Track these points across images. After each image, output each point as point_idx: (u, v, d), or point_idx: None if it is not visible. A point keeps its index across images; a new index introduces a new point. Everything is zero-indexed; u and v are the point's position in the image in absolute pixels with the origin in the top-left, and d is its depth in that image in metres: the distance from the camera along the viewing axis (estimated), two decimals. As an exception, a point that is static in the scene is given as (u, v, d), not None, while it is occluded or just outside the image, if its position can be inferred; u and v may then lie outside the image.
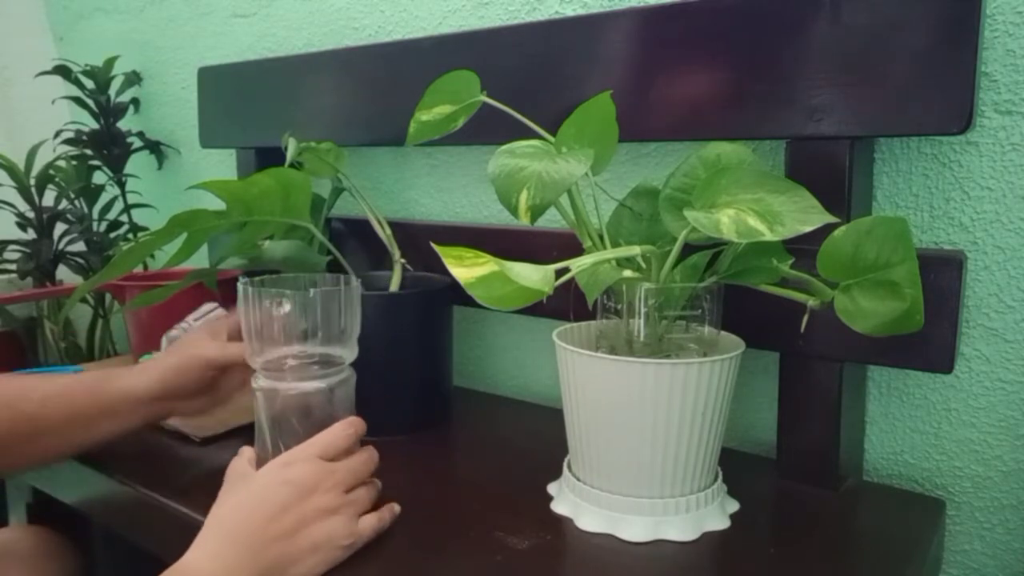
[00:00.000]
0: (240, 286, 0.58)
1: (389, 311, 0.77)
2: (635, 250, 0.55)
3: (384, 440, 0.76)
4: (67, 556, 0.85)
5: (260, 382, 0.59)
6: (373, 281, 0.86)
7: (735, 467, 0.64)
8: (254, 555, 0.50)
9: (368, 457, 0.58)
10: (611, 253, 0.56)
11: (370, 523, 0.55)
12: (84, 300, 1.30)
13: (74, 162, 1.25)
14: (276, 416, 0.59)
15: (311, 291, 0.58)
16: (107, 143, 1.27)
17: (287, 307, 0.57)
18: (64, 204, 1.27)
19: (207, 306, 0.92)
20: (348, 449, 0.58)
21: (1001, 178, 0.62)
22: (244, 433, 0.77)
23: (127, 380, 0.67)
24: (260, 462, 0.57)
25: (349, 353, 0.61)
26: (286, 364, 0.59)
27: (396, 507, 0.59)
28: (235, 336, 0.67)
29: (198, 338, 0.70)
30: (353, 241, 0.99)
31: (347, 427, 0.57)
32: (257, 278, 0.60)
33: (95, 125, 1.28)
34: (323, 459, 0.55)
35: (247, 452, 0.60)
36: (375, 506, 0.58)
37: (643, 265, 0.59)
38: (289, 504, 0.52)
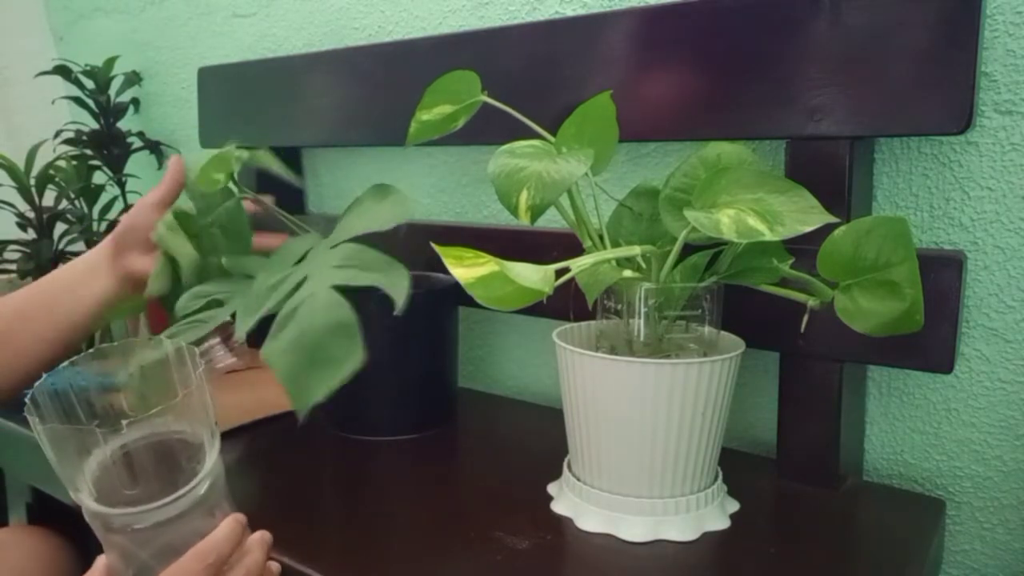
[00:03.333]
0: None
1: (392, 311, 0.76)
2: (635, 250, 0.55)
3: (388, 440, 0.77)
4: (67, 556, 0.85)
5: (91, 503, 0.45)
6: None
7: (735, 467, 0.64)
8: None
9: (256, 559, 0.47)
10: (611, 253, 0.56)
11: None
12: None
13: (74, 162, 1.25)
14: (117, 542, 0.45)
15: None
16: (107, 143, 1.27)
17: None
18: (64, 204, 1.27)
19: (207, 306, 0.92)
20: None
21: (1001, 178, 0.62)
22: (242, 434, 0.77)
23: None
24: None
25: (210, 446, 0.45)
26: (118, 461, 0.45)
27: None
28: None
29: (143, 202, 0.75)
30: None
31: (202, 559, 0.44)
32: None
33: (95, 125, 1.28)
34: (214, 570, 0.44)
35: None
36: None
37: (643, 265, 0.59)
38: None
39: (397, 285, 0.54)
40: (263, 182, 0.95)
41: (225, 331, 0.91)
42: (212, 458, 0.45)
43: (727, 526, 0.59)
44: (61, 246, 1.24)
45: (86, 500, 0.43)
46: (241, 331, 0.55)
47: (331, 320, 0.51)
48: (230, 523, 0.46)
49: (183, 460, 0.44)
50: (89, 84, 1.27)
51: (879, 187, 0.67)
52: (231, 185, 0.73)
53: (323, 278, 0.56)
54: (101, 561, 0.47)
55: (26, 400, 0.43)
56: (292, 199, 1.08)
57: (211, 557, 0.44)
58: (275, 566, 0.51)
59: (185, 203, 0.76)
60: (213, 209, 0.73)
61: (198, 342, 0.73)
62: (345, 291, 0.55)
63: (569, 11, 0.82)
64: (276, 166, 0.72)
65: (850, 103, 0.60)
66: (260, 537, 0.49)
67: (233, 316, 0.63)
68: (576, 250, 0.59)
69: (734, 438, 0.77)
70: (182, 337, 0.60)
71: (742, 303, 0.63)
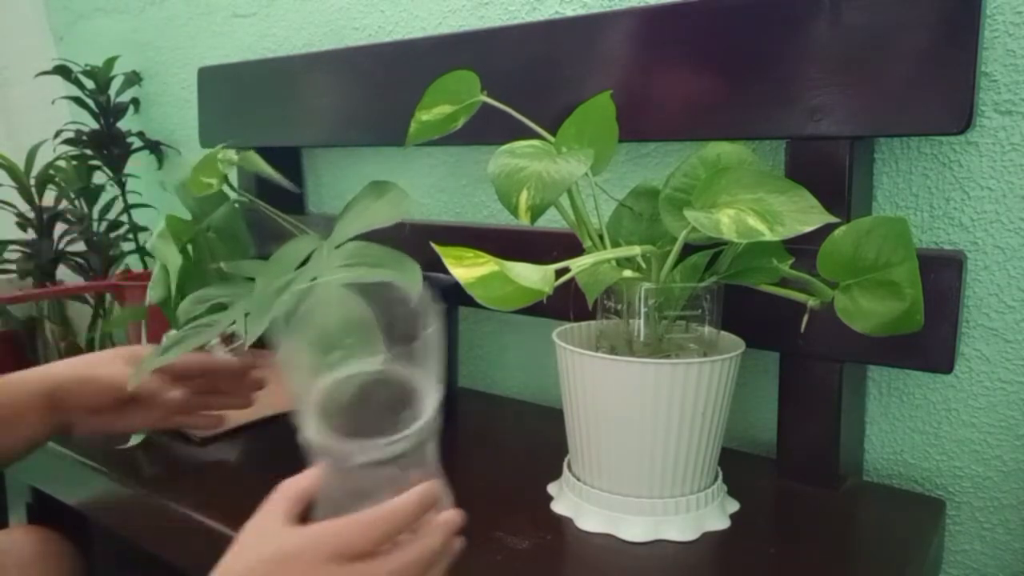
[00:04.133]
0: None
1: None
2: (635, 250, 0.55)
3: (388, 440, 0.77)
4: (68, 557, 0.85)
5: (311, 435, 0.44)
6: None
7: (735, 467, 0.64)
8: None
9: (415, 559, 0.42)
10: (611, 253, 0.56)
11: None
12: (84, 300, 1.30)
13: (74, 162, 1.25)
14: (327, 487, 0.45)
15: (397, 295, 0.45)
16: (107, 143, 1.27)
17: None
18: (64, 204, 1.27)
19: (207, 306, 0.92)
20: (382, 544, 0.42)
21: (1001, 178, 0.62)
22: (244, 433, 0.77)
23: (14, 385, 0.64)
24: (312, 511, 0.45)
25: (432, 393, 0.44)
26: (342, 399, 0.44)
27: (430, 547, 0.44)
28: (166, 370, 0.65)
29: (112, 358, 0.67)
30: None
31: (380, 522, 0.42)
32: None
33: (95, 125, 1.28)
34: (332, 563, 0.41)
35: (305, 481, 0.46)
36: None
37: (643, 265, 0.59)
38: None
39: (410, 277, 0.54)
40: (263, 185, 0.95)
41: (225, 332, 0.91)
42: (430, 413, 0.43)
43: (727, 526, 0.59)
44: (61, 246, 1.24)
45: (307, 417, 0.42)
46: (252, 335, 0.54)
47: (348, 317, 0.50)
48: (422, 489, 0.43)
49: (401, 408, 0.43)
50: (89, 84, 1.27)
51: (879, 187, 0.67)
52: (226, 188, 0.73)
53: (333, 277, 0.56)
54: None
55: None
56: (292, 200, 1.08)
57: (391, 523, 0.42)
58: (457, 544, 0.47)
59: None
60: (208, 214, 0.73)
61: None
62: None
63: (569, 11, 0.82)
64: (265, 168, 0.70)
65: (850, 103, 0.60)
66: (445, 520, 0.45)
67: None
68: (576, 250, 0.59)
69: (734, 438, 0.77)
70: (187, 343, 0.60)
71: (742, 303, 0.63)
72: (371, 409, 0.43)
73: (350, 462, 0.42)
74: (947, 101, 0.56)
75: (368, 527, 0.41)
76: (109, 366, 0.66)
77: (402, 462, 0.43)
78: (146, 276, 1.11)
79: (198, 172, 0.70)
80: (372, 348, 0.44)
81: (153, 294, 0.72)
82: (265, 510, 0.44)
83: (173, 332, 0.88)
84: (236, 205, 0.75)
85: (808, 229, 0.49)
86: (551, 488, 0.64)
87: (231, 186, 0.73)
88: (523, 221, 0.53)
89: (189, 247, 0.74)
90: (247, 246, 0.74)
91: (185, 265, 0.71)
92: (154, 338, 0.95)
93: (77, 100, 1.27)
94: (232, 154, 0.71)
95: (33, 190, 1.24)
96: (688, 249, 0.58)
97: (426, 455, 0.45)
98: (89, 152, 1.26)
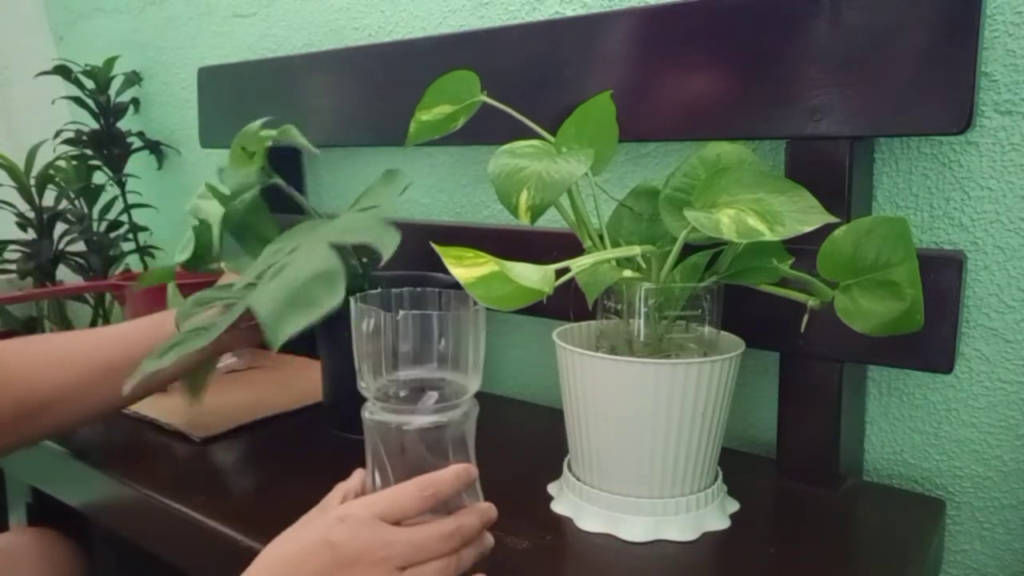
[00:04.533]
0: (353, 305, 0.51)
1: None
2: (635, 250, 0.55)
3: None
4: (68, 557, 0.85)
5: (367, 412, 0.51)
6: (380, 282, 0.86)
7: (735, 467, 0.64)
8: None
9: (452, 531, 0.47)
10: (611, 253, 0.56)
11: None
12: (84, 300, 1.30)
13: (74, 162, 1.25)
14: (383, 451, 0.51)
15: (442, 312, 0.52)
16: (107, 143, 1.27)
17: (410, 328, 0.50)
18: (64, 204, 1.27)
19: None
20: (461, 501, 0.49)
21: (1001, 178, 0.62)
22: (244, 433, 0.77)
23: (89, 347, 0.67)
24: (363, 494, 0.51)
25: (472, 382, 0.53)
26: (399, 392, 0.51)
27: (472, 552, 0.49)
28: None
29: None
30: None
31: (422, 489, 0.47)
32: (368, 294, 0.54)
33: (95, 125, 1.28)
34: (386, 521, 0.46)
35: (355, 479, 0.52)
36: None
37: (643, 265, 0.59)
38: (323, 571, 0.45)
39: (384, 240, 0.54)
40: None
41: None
42: (470, 395, 0.52)
43: (727, 526, 0.59)
44: (61, 246, 1.24)
45: (366, 379, 0.51)
46: (262, 312, 0.53)
47: (317, 269, 0.52)
48: (460, 467, 0.49)
49: (444, 391, 0.51)
50: (89, 84, 1.27)
51: (879, 187, 0.67)
52: (262, 169, 0.74)
53: (314, 240, 0.57)
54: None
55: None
56: (292, 200, 1.08)
57: (430, 490, 0.47)
58: (490, 539, 0.51)
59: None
60: (243, 192, 0.74)
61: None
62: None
63: (569, 11, 0.82)
64: (302, 141, 0.74)
65: (850, 103, 0.60)
66: (484, 507, 0.50)
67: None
68: (576, 250, 0.59)
69: (734, 438, 0.77)
70: (184, 346, 0.59)
71: (742, 303, 0.63)
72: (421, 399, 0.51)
73: (401, 431, 0.49)
74: (947, 101, 0.56)
75: (412, 489, 0.47)
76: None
77: (443, 446, 0.50)
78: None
79: (239, 142, 0.70)
80: (335, 297, 0.49)
81: (181, 255, 0.74)
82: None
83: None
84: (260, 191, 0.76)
85: (808, 229, 0.49)
86: (551, 488, 0.64)
87: (266, 170, 0.74)
88: (523, 221, 0.53)
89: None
90: (275, 229, 0.75)
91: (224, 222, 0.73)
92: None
93: (77, 100, 1.27)
94: (270, 131, 0.73)
95: (33, 190, 1.24)
96: (688, 249, 0.58)
97: (466, 444, 0.52)
98: (89, 152, 1.26)
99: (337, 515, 0.46)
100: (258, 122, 0.74)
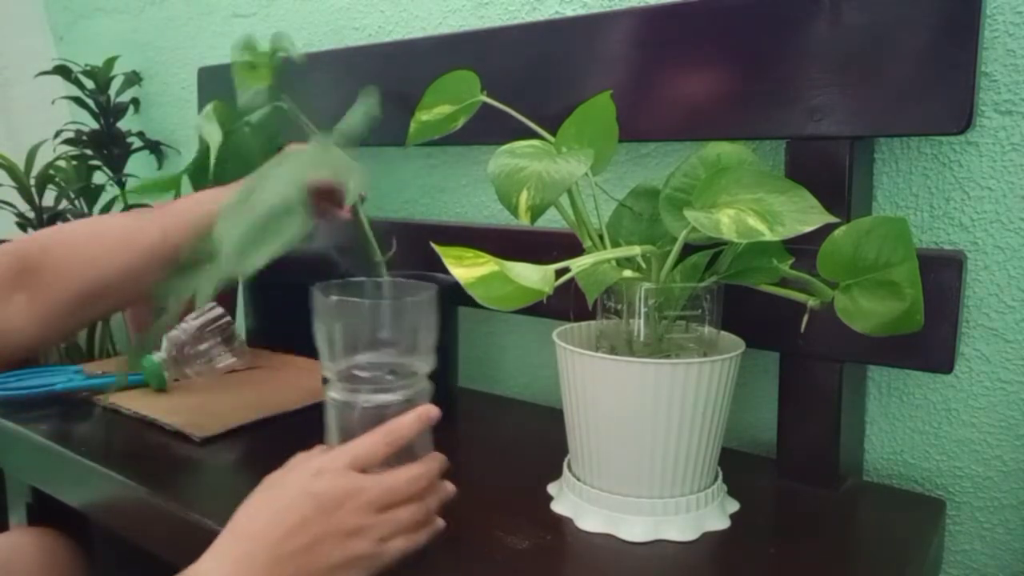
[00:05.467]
0: (315, 293, 0.55)
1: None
2: (635, 250, 0.55)
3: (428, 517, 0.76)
4: (68, 557, 0.85)
5: (333, 392, 0.56)
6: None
7: (735, 467, 0.64)
8: (269, 566, 0.47)
9: (417, 474, 0.52)
10: (611, 253, 0.56)
11: (396, 545, 0.51)
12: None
13: (74, 162, 1.25)
14: (344, 427, 0.55)
15: (400, 299, 0.55)
16: (107, 143, 1.27)
17: (367, 315, 0.54)
18: (64, 204, 1.27)
19: (207, 306, 0.92)
20: (414, 450, 0.54)
21: (1001, 178, 0.62)
22: (244, 433, 0.77)
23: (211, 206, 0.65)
24: None
25: (426, 364, 0.57)
26: (360, 374, 0.55)
27: (440, 522, 0.55)
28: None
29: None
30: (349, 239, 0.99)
31: (386, 435, 0.52)
32: (330, 283, 0.57)
33: (95, 125, 1.28)
34: (356, 470, 0.51)
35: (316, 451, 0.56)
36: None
37: (643, 265, 0.59)
38: (309, 519, 0.48)
39: (347, 180, 0.55)
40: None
41: (225, 332, 0.91)
42: (423, 375, 0.57)
43: (727, 526, 0.59)
44: (61, 246, 1.24)
45: (328, 362, 0.56)
46: (227, 245, 0.53)
47: (281, 202, 0.53)
48: (419, 409, 0.54)
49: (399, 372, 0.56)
50: (89, 84, 1.27)
51: (879, 187, 0.67)
52: (270, 88, 0.74)
53: (280, 174, 0.58)
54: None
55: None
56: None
57: (393, 435, 0.52)
58: (450, 487, 0.56)
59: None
60: (249, 113, 0.74)
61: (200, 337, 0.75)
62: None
63: (569, 11, 0.82)
64: (294, 49, 0.75)
65: (850, 103, 0.60)
66: (439, 455, 0.55)
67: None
68: (576, 250, 0.59)
69: (734, 438, 0.77)
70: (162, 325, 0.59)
71: (742, 303, 0.63)
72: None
73: (361, 408, 0.55)
74: (947, 101, 0.56)
75: (378, 437, 0.52)
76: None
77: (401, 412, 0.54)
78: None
79: (239, 56, 0.71)
80: (293, 229, 0.53)
81: (188, 169, 0.75)
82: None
83: (173, 332, 0.88)
84: (274, 108, 0.76)
85: (808, 229, 0.49)
86: (551, 488, 0.64)
87: (276, 92, 0.74)
88: (523, 221, 0.53)
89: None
90: (277, 148, 0.75)
91: (223, 148, 0.73)
92: (139, 325, 0.95)
93: (77, 100, 1.27)
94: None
95: (33, 190, 1.24)
96: (688, 249, 0.58)
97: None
98: (89, 152, 1.27)
99: (312, 471, 0.50)
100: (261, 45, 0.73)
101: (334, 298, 0.54)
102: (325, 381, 0.56)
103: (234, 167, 0.73)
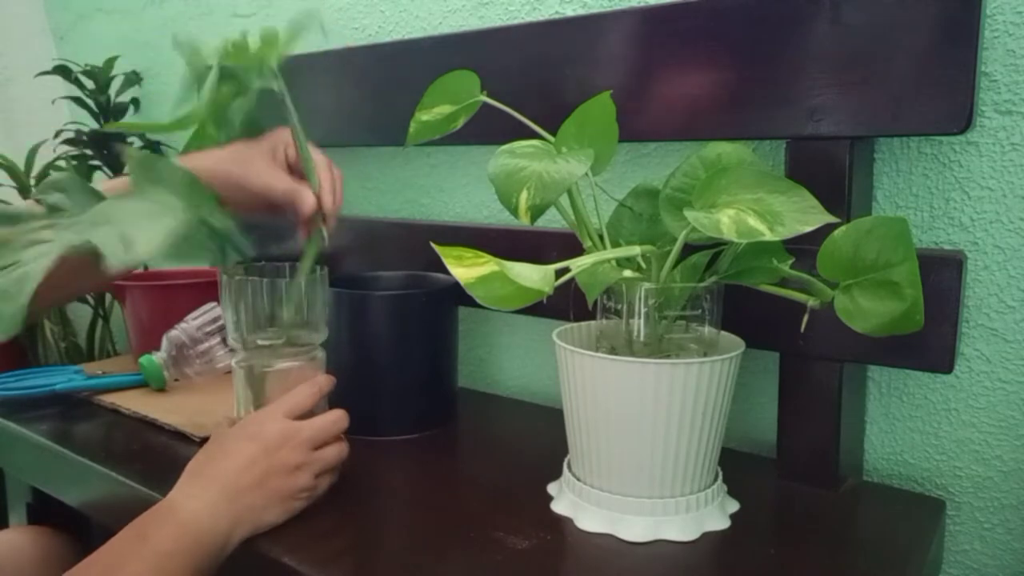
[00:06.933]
0: (223, 276, 0.64)
1: (393, 311, 0.77)
2: (635, 250, 0.55)
3: (388, 440, 0.77)
4: (68, 557, 0.85)
5: (241, 361, 0.66)
6: (380, 282, 0.86)
7: (735, 467, 0.64)
8: (229, 499, 0.55)
9: (336, 419, 0.63)
10: (611, 253, 0.56)
11: (327, 480, 0.62)
12: (84, 300, 1.30)
13: (74, 162, 1.25)
14: (254, 391, 0.66)
15: (296, 279, 0.64)
16: (107, 143, 1.27)
17: (270, 295, 0.64)
18: (64, 204, 1.27)
19: (207, 306, 0.92)
20: (314, 410, 0.63)
21: (1001, 178, 0.62)
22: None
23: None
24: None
25: (320, 336, 0.67)
26: (262, 344, 0.66)
27: (345, 448, 0.64)
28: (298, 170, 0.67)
29: (261, 157, 0.68)
30: (349, 238, 0.99)
31: (311, 387, 0.63)
32: (236, 266, 0.65)
33: (95, 125, 1.28)
34: (290, 418, 0.61)
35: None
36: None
37: (643, 265, 0.59)
38: (256, 458, 0.57)
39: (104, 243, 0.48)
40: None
41: (225, 332, 0.91)
42: (317, 345, 0.67)
43: (727, 526, 0.59)
44: (61, 246, 1.24)
45: (234, 334, 0.66)
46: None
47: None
48: (314, 381, 0.65)
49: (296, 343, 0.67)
50: (89, 84, 1.27)
51: (879, 187, 0.67)
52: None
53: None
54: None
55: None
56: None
57: (316, 387, 0.64)
58: (346, 444, 0.64)
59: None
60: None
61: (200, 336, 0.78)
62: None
63: (569, 11, 0.82)
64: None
65: (850, 103, 0.60)
66: (339, 411, 0.64)
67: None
68: (576, 250, 0.59)
69: (734, 438, 0.77)
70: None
71: (742, 303, 0.63)
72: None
73: (264, 373, 0.65)
74: (947, 101, 0.56)
75: (304, 388, 0.63)
76: (261, 174, 0.66)
77: (295, 384, 0.64)
78: (146, 276, 1.11)
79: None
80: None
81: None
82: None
83: (173, 332, 0.88)
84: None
85: (808, 229, 0.49)
86: (551, 488, 0.64)
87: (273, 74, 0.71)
88: (523, 221, 0.53)
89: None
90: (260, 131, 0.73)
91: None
92: (145, 340, 0.95)
93: (77, 100, 1.27)
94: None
95: (33, 190, 1.24)
96: (688, 249, 0.58)
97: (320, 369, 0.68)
98: (89, 152, 1.27)
99: (253, 420, 0.60)
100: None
101: (237, 278, 0.63)
102: (232, 352, 0.66)
103: (216, 134, 0.72)
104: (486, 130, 0.69)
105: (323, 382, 0.65)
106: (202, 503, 0.55)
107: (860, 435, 0.71)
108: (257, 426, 0.60)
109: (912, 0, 0.57)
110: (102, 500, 0.72)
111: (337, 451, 0.62)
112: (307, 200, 0.65)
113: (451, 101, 0.66)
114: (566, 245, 0.77)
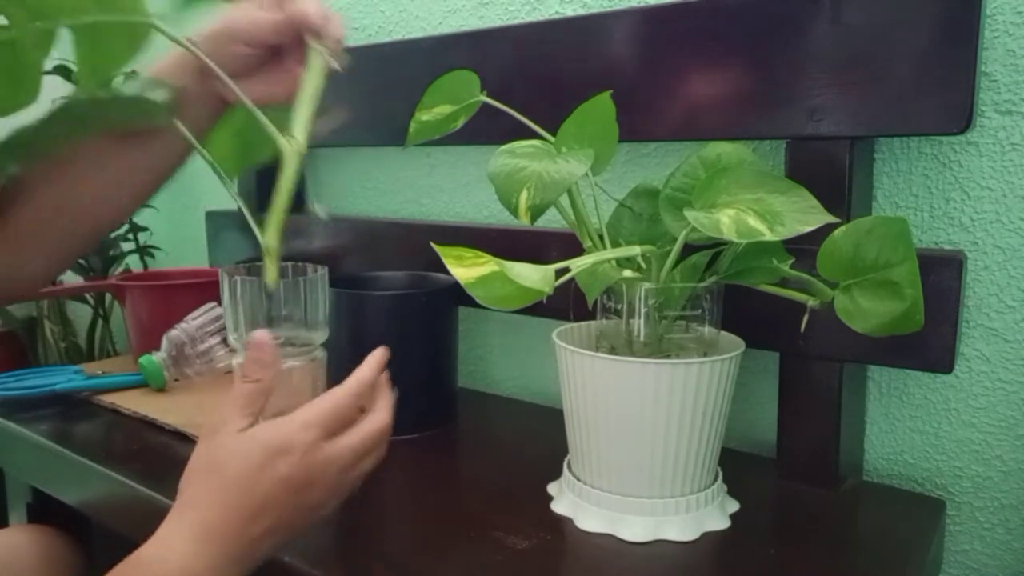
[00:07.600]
0: (223, 276, 0.62)
1: (393, 311, 0.77)
2: (635, 250, 0.55)
3: (388, 440, 0.77)
4: (68, 557, 0.85)
5: (241, 358, 0.62)
6: (380, 282, 0.86)
7: (735, 467, 0.64)
8: (237, 559, 0.44)
9: (382, 428, 0.50)
10: (611, 253, 0.56)
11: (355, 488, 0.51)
12: (84, 300, 1.30)
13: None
14: None
15: (296, 279, 0.62)
16: (107, 143, 1.27)
17: (271, 295, 0.62)
18: (64, 204, 1.27)
19: (207, 306, 0.92)
20: (315, 389, 0.59)
21: (1001, 178, 0.62)
22: (244, 433, 0.77)
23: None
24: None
25: (321, 335, 0.65)
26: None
27: (382, 453, 0.53)
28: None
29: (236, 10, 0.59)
30: (349, 238, 0.99)
31: (354, 390, 0.50)
32: (236, 266, 0.64)
33: (95, 125, 1.28)
34: (328, 434, 0.48)
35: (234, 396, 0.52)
36: None
37: (643, 265, 0.59)
38: (278, 501, 0.45)
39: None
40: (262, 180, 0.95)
41: (225, 332, 0.91)
42: (318, 345, 0.63)
43: (727, 526, 0.59)
44: (61, 246, 1.24)
45: (234, 333, 0.62)
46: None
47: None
48: (375, 357, 0.54)
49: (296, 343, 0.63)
50: (89, 84, 1.27)
51: (879, 187, 0.67)
52: None
53: None
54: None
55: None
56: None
57: (360, 387, 0.51)
58: (382, 452, 0.53)
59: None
60: None
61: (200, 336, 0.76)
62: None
63: (569, 11, 0.82)
64: None
65: (850, 103, 0.60)
66: (380, 410, 0.52)
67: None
68: (576, 250, 0.59)
69: (734, 438, 0.77)
70: None
71: (742, 303, 0.63)
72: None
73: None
74: (947, 101, 0.56)
75: (344, 397, 0.50)
76: (247, 15, 0.59)
77: (297, 384, 0.60)
78: (146, 276, 1.11)
79: None
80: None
81: None
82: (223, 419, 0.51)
83: (173, 332, 0.88)
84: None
85: (808, 229, 0.49)
86: (551, 488, 0.64)
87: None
88: (523, 221, 0.53)
89: None
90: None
91: None
92: (145, 340, 0.95)
93: (77, 100, 1.27)
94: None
95: (33, 190, 1.24)
96: (688, 249, 0.58)
97: (317, 383, 0.63)
98: (89, 152, 1.26)
99: (277, 448, 0.46)
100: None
101: (237, 279, 0.61)
102: (232, 352, 0.63)
103: None
104: (486, 130, 0.69)
105: (365, 381, 0.51)
106: (203, 564, 0.44)
107: (860, 435, 0.71)
108: (282, 458, 0.46)
109: (912, 0, 0.57)
110: (102, 500, 0.72)
111: (373, 460, 0.51)
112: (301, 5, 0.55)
113: (451, 101, 0.66)
114: (566, 245, 0.77)
